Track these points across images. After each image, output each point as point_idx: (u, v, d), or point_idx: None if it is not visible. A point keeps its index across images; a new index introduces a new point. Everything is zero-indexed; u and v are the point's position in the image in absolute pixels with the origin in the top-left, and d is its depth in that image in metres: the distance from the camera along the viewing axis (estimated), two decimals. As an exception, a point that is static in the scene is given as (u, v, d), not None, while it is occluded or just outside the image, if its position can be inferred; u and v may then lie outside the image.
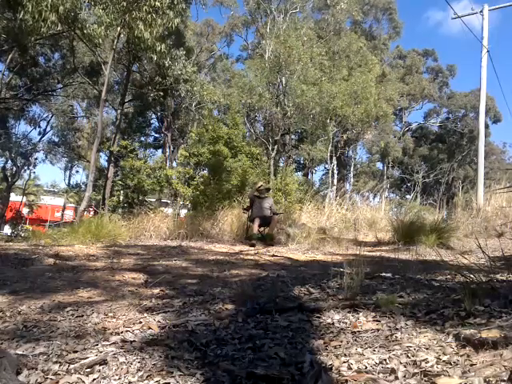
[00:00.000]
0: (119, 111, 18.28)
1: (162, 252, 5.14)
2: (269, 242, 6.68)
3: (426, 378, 1.16)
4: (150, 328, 1.80)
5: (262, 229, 7.21)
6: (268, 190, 8.20)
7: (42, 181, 55.18)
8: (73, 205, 33.67)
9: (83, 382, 1.28)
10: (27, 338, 1.66)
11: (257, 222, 7.05)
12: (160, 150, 26.16)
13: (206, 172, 13.06)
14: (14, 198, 31.44)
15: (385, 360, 1.32)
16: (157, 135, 27.73)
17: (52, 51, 19.57)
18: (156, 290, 2.63)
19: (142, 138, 25.52)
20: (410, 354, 1.34)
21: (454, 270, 2.58)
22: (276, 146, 18.41)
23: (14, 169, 26.44)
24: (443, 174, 33.79)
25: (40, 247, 5.06)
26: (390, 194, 33.25)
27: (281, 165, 20.38)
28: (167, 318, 1.97)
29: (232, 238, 7.49)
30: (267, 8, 22.35)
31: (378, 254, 5.24)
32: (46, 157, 28.62)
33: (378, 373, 1.23)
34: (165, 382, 1.26)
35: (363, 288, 2.32)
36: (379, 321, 1.76)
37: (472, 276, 2.04)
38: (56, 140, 27.92)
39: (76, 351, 1.50)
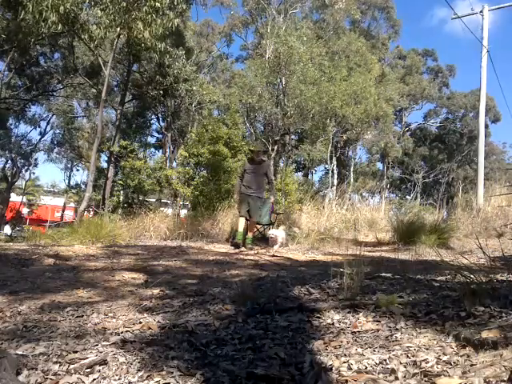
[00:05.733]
0: (119, 111, 18.30)
1: (162, 252, 5.14)
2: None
3: (426, 379, 1.16)
4: (149, 328, 1.79)
5: (260, 226, 7.07)
6: (265, 152, 7.11)
7: (42, 181, 55.06)
8: (73, 205, 33.65)
9: (83, 382, 1.28)
10: (27, 338, 1.66)
11: (243, 219, 6.30)
12: (160, 150, 26.17)
13: (205, 172, 13.05)
14: (14, 198, 31.43)
15: (385, 360, 1.31)
16: (157, 135, 27.76)
17: (52, 51, 19.58)
18: (156, 290, 2.63)
19: (142, 138, 25.53)
20: (410, 355, 1.33)
21: (454, 270, 2.58)
22: (276, 146, 18.41)
23: (14, 169, 26.44)
24: (443, 174, 33.78)
25: (40, 247, 5.07)
26: (390, 195, 33.27)
27: (281, 165, 20.37)
28: (167, 318, 1.97)
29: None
30: (267, 8, 22.36)
31: (378, 254, 5.24)
32: (48, 156, 28.68)
33: (378, 373, 1.23)
34: (165, 382, 1.26)
35: (363, 288, 2.32)
36: (379, 321, 1.76)
37: (472, 276, 2.04)
38: (56, 140, 27.96)
39: (76, 351, 1.50)
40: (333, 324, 1.79)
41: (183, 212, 13.51)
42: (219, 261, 4.38)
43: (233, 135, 13.05)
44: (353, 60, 20.79)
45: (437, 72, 35.46)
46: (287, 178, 14.16)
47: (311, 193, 12.10)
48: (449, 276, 2.74)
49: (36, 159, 28.43)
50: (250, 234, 6.36)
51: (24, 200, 32.88)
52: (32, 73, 20.09)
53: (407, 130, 35.60)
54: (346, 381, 1.19)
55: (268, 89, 17.91)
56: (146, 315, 2.02)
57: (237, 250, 5.81)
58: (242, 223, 6.29)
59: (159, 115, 24.66)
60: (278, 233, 6.24)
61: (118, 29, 11.18)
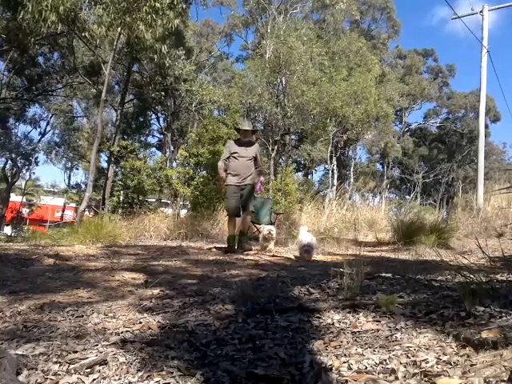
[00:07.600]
0: (119, 111, 18.31)
1: (162, 252, 5.14)
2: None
3: (426, 379, 1.16)
4: (149, 328, 1.79)
5: (260, 226, 6.97)
6: (253, 132, 5.66)
7: (42, 181, 55.22)
8: (73, 205, 33.66)
9: (83, 382, 1.27)
10: (27, 338, 1.65)
11: (234, 219, 5.45)
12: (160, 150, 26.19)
13: (205, 172, 13.05)
14: (14, 198, 31.42)
15: (385, 360, 1.31)
16: (158, 135, 27.79)
17: (51, 51, 19.60)
18: (156, 291, 2.62)
19: (142, 138, 25.55)
20: (410, 355, 1.33)
21: (454, 270, 2.58)
22: (276, 146, 18.40)
23: (14, 169, 26.45)
24: (443, 174, 33.81)
25: (40, 247, 5.07)
26: (390, 195, 33.30)
27: (281, 165, 20.38)
28: (167, 318, 1.97)
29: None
30: (267, 8, 22.35)
31: (378, 254, 5.25)
32: (47, 156, 28.72)
33: (378, 373, 1.23)
34: (165, 382, 1.26)
35: (363, 288, 2.32)
36: (379, 321, 1.76)
37: (472, 276, 2.04)
38: (56, 140, 28.00)
39: (76, 351, 1.50)
40: (333, 324, 1.79)
41: (183, 212, 13.51)
42: (219, 261, 4.38)
43: (233, 135, 13.05)
44: (353, 60, 20.79)
45: (437, 72, 35.51)
46: (287, 178, 14.16)
47: (311, 193, 12.11)
48: (449, 276, 2.74)
49: (36, 158, 28.47)
50: (244, 231, 5.59)
51: (24, 200, 32.87)
52: (32, 73, 20.09)
53: (407, 130, 35.63)
54: (346, 381, 1.19)
55: (268, 89, 17.90)
56: (146, 315, 2.02)
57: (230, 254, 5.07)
58: (233, 223, 5.49)
59: (159, 115, 24.68)
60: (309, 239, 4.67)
61: (119, 28, 11.19)
